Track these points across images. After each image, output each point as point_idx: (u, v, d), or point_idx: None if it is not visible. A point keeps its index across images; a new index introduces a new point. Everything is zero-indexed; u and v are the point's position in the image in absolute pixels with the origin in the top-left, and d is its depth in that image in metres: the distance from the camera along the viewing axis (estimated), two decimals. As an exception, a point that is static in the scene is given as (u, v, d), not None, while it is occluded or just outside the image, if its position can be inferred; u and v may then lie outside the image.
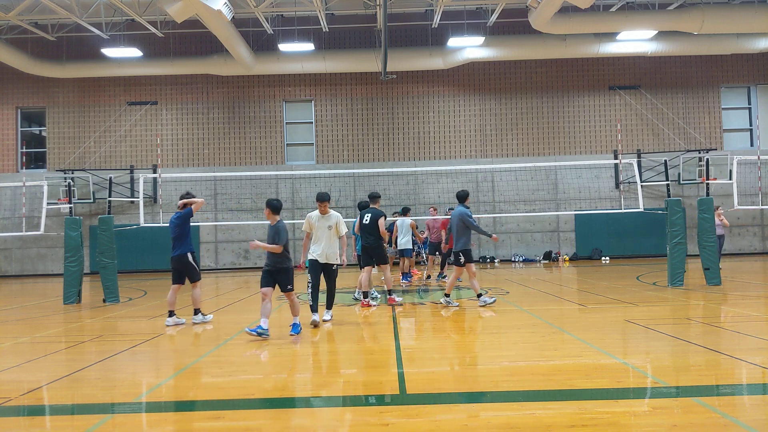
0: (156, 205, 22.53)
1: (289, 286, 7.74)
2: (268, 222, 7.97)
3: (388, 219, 15.49)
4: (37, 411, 4.78)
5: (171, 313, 8.82)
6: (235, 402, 4.81)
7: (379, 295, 11.38)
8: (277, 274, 7.69)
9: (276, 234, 7.72)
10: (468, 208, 10.07)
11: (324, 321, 8.54)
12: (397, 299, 10.59)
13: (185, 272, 8.93)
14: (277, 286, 7.78)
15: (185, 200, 9.07)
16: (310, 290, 8.33)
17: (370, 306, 10.21)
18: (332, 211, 8.49)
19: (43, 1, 17.45)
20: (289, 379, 5.50)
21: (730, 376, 5.24)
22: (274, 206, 7.85)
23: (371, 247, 10.27)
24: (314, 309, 8.36)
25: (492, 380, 5.27)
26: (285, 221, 27.36)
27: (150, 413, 4.64)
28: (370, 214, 10.31)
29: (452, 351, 6.69)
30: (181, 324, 8.83)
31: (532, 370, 5.48)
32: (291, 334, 7.58)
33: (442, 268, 15.17)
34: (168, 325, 8.72)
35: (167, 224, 9.51)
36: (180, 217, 8.89)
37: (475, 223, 9.93)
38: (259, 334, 7.37)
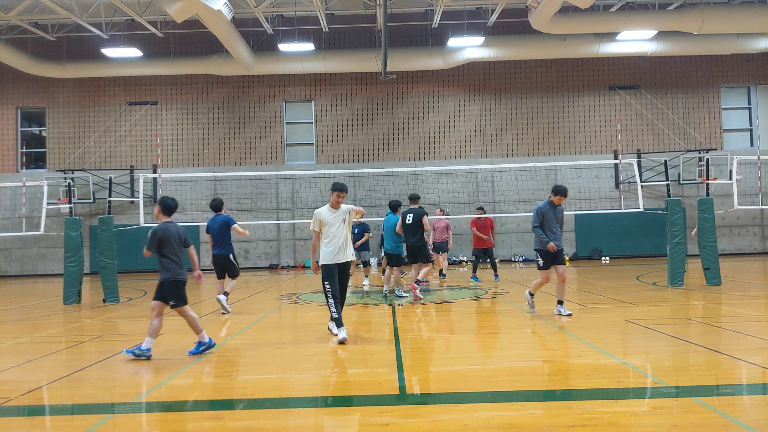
0: (156, 205, 22.50)
1: (171, 302, 6.52)
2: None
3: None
4: (37, 411, 4.77)
5: (226, 292, 10.01)
6: (235, 402, 4.81)
7: (406, 294, 11.58)
8: (159, 287, 6.58)
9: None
10: (553, 205, 8.63)
11: (332, 334, 7.34)
12: (419, 296, 10.98)
13: (227, 268, 10.10)
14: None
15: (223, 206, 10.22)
16: (330, 300, 7.20)
17: (415, 288, 10.80)
18: (342, 204, 7.49)
19: (43, 1, 17.45)
20: (289, 379, 5.50)
21: (730, 376, 5.24)
22: (167, 206, 6.70)
23: (415, 247, 10.83)
24: (339, 323, 7.19)
25: (492, 380, 5.27)
26: (285, 221, 26.89)
27: (150, 413, 4.64)
28: (412, 214, 10.79)
29: (452, 351, 6.68)
30: (227, 312, 9.90)
31: (532, 370, 5.48)
32: (189, 354, 6.52)
33: (495, 270, 15.01)
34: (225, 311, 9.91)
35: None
36: (226, 221, 9.97)
37: (534, 224, 8.66)
38: (137, 356, 6.35)
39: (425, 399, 4.70)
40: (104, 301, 12.09)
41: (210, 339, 6.69)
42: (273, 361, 6.22)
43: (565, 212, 24.04)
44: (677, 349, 6.25)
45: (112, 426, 4.28)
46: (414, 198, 11.28)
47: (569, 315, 8.45)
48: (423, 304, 10.51)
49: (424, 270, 11.11)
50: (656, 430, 3.84)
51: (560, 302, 8.67)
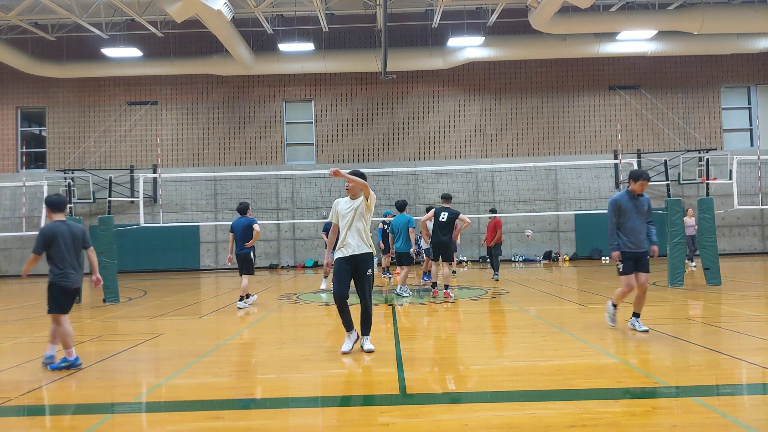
0: (156, 205, 22.53)
1: (47, 307, 6.05)
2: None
3: (388, 218, 15.63)
4: (37, 411, 4.77)
5: (248, 296, 10.97)
6: (235, 402, 4.81)
7: (411, 293, 12.04)
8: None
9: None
10: (632, 195, 7.07)
11: (366, 352, 6.34)
12: (451, 294, 11.18)
13: (245, 265, 10.77)
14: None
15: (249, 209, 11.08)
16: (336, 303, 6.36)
17: (449, 296, 10.96)
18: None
19: (43, 1, 17.46)
20: (289, 379, 5.50)
21: (730, 376, 5.23)
22: (51, 203, 6.22)
23: (443, 244, 10.98)
24: (348, 327, 6.41)
25: (492, 380, 5.27)
26: (285, 221, 26.93)
27: (150, 413, 4.64)
28: (447, 213, 10.99)
29: (452, 351, 6.68)
30: (252, 300, 11.08)
31: (532, 370, 5.48)
32: (51, 368, 5.95)
33: (496, 268, 15.31)
34: (239, 306, 10.74)
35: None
36: (250, 223, 10.75)
37: (610, 220, 7.15)
38: (67, 367, 5.94)
39: (425, 399, 4.70)
40: (104, 301, 12.10)
41: (77, 358, 6.02)
42: (273, 361, 6.22)
43: (565, 212, 23.69)
44: (677, 349, 6.25)
45: (112, 426, 4.28)
46: (447, 197, 11.43)
47: (645, 331, 7.04)
48: (452, 302, 10.69)
49: (447, 272, 11.16)
50: (656, 430, 3.84)
51: (635, 314, 7.27)
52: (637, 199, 7.04)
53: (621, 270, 7.13)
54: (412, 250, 12.33)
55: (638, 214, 7.01)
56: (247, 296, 10.97)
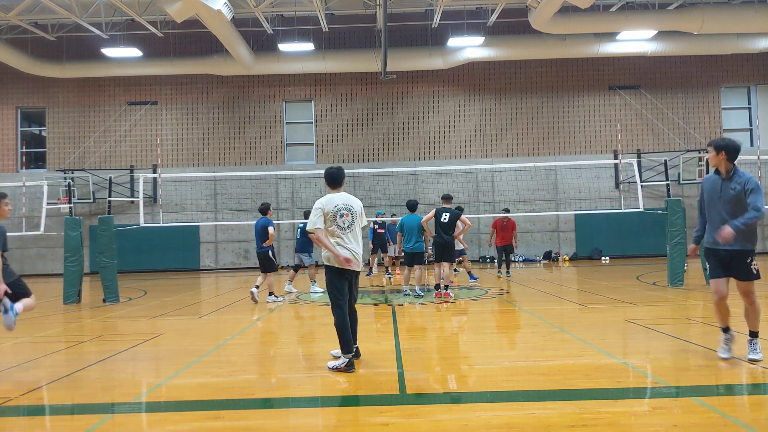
0: (156, 205, 22.53)
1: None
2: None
3: (391, 218, 15.67)
4: (37, 411, 4.77)
5: (271, 293, 11.51)
6: (235, 402, 4.81)
7: (423, 294, 11.96)
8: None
9: None
10: (721, 176, 5.37)
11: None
12: (451, 294, 11.22)
13: (265, 264, 11.41)
14: None
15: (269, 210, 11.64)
16: (335, 314, 5.76)
17: (449, 296, 11.01)
18: (325, 196, 5.93)
19: (43, 1, 17.45)
20: (289, 379, 5.50)
21: (730, 376, 5.23)
22: None
23: (447, 244, 11.08)
24: (353, 349, 5.74)
25: (492, 380, 5.27)
26: (285, 221, 26.97)
27: (150, 413, 4.64)
28: (449, 214, 11.08)
29: (452, 351, 6.69)
30: (279, 301, 11.44)
31: (532, 370, 5.48)
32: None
33: (507, 267, 16.30)
34: (268, 301, 11.33)
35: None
36: (264, 224, 11.29)
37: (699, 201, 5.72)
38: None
39: (425, 399, 4.70)
40: (104, 300, 12.10)
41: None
42: (273, 361, 6.23)
43: (565, 212, 23.75)
44: (677, 349, 6.25)
45: (112, 426, 4.28)
46: (447, 198, 11.46)
47: (755, 359, 5.38)
48: (452, 302, 10.68)
49: (447, 272, 11.19)
50: (656, 430, 3.84)
51: (752, 334, 5.51)
52: (729, 180, 5.26)
53: (708, 272, 5.79)
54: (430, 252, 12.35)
55: (722, 201, 5.27)
56: (270, 294, 11.53)
